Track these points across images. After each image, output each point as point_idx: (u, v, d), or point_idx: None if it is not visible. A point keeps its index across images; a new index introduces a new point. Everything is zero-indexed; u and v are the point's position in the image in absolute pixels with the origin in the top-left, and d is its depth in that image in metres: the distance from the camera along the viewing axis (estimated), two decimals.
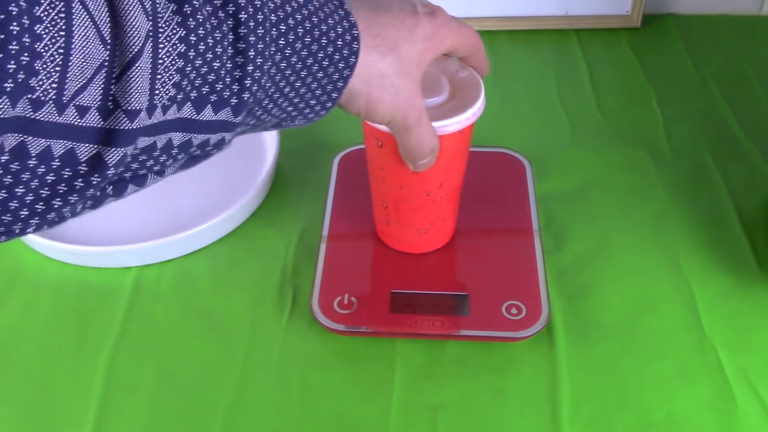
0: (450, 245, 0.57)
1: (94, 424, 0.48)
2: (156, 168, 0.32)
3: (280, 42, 0.33)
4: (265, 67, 0.32)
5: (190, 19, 0.29)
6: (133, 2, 0.27)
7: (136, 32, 0.27)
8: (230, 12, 0.31)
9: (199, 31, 0.29)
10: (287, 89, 0.35)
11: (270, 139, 0.66)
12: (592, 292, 0.55)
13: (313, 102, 0.37)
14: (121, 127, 0.28)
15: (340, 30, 0.36)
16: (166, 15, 0.29)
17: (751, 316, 0.53)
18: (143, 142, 0.30)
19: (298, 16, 0.34)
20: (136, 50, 0.27)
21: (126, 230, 0.59)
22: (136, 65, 0.27)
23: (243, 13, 0.31)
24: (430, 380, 0.50)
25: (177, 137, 0.31)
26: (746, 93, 0.73)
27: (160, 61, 0.29)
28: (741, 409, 0.48)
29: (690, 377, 0.50)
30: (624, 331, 0.52)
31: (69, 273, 0.58)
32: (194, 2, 0.30)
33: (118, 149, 0.28)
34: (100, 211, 0.64)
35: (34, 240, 0.57)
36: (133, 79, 0.27)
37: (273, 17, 0.33)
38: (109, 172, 0.29)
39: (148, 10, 0.28)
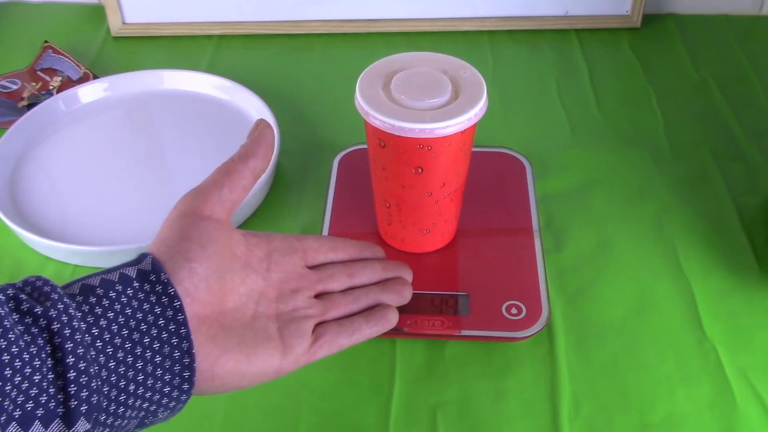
0: (449, 245, 0.57)
1: None
2: None
3: (103, 347, 0.32)
4: (91, 370, 0.31)
5: (1, 340, 0.29)
6: None
7: None
8: (43, 325, 0.31)
9: (13, 349, 0.29)
10: (131, 387, 0.33)
11: None
12: (592, 292, 0.55)
13: (167, 391, 0.34)
14: None
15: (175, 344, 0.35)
16: None
17: (751, 316, 0.53)
18: None
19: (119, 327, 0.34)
20: None
21: (126, 230, 0.59)
22: None
23: (56, 323, 0.31)
24: (430, 380, 0.50)
25: None
26: (746, 93, 0.73)
27: None
28: (741, 409, 0.48)
29: (690, 377, 0.50)
30: (624, 331, 0.52)
31: (69, 273, 0.58)
32: (5, 323, 0.30)
33: None
34: (101, 211, 0.65)
35: (34, 240, 0.57)
36: None
37: (89, 327, 0.32)
38: None
39: None
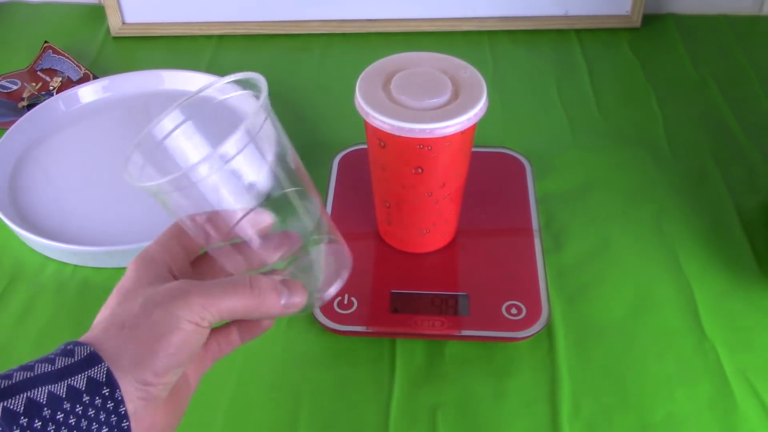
0: (450, 245, 0.56)
1: None
2: None
3: None
4: None
5: None
6: None
7: None
8: None
9: None
10: None
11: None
12: (592, 292, 0.55)
13: None
14: None
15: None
16: None
17: (751, 316, 0.53)
18: None
19: None
20: None
21: (126, 230, 0.59)
22: None
23: None
24: (430, 380, 0.50)
25: None
26: (746, 93, 0.73)
27: None
28: (741, 409, 0.48)
29: (690, 377, 0.50)
30: (624, 331, 0.52)
31: (69, 273, 0.58)
32: None
33: None
34: (100, 211, 0.65)
35: (34, 240, 0.57)
36: None
37: None
38: None
39: None
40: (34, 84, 0.75)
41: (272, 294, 0.37)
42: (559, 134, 0.69)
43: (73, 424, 0.31)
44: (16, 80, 0.75)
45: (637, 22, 0.81)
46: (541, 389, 0.49)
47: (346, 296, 0.53)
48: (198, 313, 0.34)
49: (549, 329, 0.52)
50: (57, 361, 0.33)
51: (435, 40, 0.81)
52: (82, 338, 0.34)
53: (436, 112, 0.46)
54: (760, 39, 0.80)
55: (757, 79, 0.74)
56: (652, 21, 0.82)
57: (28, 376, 0.31)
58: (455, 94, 0.48)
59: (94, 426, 0.32)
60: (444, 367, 0.51)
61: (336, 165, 0.63)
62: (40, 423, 0.30)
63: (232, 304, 0.35)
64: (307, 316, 0.53)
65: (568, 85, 0.74)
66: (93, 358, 0.33)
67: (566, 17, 0.81)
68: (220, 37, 0.82)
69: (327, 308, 0.52)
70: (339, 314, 0.52)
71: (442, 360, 0.51)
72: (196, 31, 0.82)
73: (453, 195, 0.53)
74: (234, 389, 0.50)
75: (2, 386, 0.31)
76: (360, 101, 0.48)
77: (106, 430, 0.32)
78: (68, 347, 0.33)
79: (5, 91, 0.74)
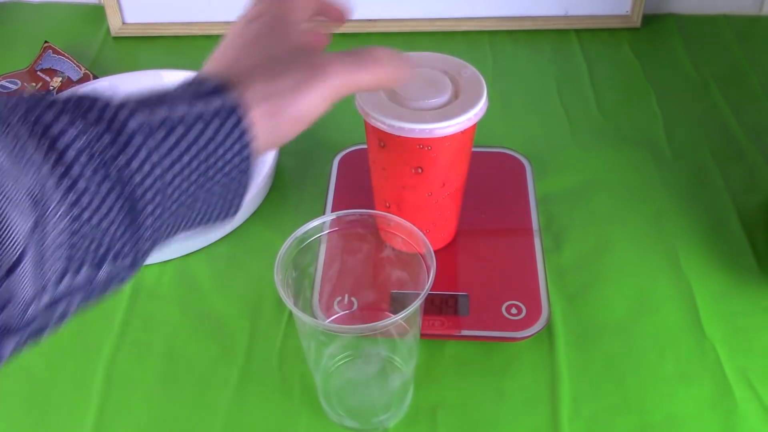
0: (450, 245, 0.57)
1: (94, 424, 0.48)
2: (48, 328, 0.31)
3: (172, 177, 0.31)
4: (163, 203, 0.30)
5: (77, 185, 0.27)
6: (9, 205, 0.25)
7: (12, 240, 0.25)
8: (120, 166, 0.28)
9: (84, 199, 0.28)
10: (191, 212, 0.33)
11: None
12: (592, 292, 0.55)
13: (221, 203, 0.34)
14: (10, 325, 0.27)
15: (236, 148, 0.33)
16: (53, 193, 0.27)
17: (751, 316, 0.53)
18: (37, 322, 0.29)
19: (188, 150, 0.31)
20: (15, 258, 0.25)
21: None
22: (18, 268, 0.26)
23: (130, 158, 0.29)
24: (430, 380, 0.50)
25: (77, 299, 0.31)
26: (746, 93, 0.73)
27: (49, 246, 0.26)
28: (741, 409, 0.48)
29: (690, 377, 0.50)
30: (624, 331, 0.52)
31: None
32: (76, 168, 0.27)
33: (6, 345, 0.28)
34: None
35: None
36: (15, 281, 0.26)
37: (159, 158, 0.30)
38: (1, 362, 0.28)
39: (36, 196, 0.26)
40: (34, 84, 0.75)
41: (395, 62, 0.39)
42: (559, 134, 0.69)
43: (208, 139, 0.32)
44: (16, 80, 0.75)
45: (637, 22, 0.81)
46: (541, 389, 0.49)
47: (346, 296, 0.53)
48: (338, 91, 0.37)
49: (549, 329, 0.52)
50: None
51: (435, 40, 0.81)
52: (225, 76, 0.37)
53: (436, 112, 0.46)
54: (760, 39, 0.80)
55: (757, 79, 0.74)
56: (652, 21, 0.82)
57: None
58: (455, 94, 0.48)
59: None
60: (444, 367, 0.51)
61: (336, 165, 0.63)
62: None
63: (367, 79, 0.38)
64: None
65: (568, 85, 0.74)
66: (237, 101, 0.34)
67: (566, 17, 0.81)
68: (220, 37, 0.82)
69: (327, 308, 0.52)
70: (339, 314, 0.52)
71: (442, 360, 0.51)
72: (196, 31, 0.82)
73: (453, 195, 0.53)
74: (234, 389, 0.50)
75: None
76: (360, 101, 0.48)
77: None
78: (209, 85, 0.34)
79: (5, 91, 0.74)
